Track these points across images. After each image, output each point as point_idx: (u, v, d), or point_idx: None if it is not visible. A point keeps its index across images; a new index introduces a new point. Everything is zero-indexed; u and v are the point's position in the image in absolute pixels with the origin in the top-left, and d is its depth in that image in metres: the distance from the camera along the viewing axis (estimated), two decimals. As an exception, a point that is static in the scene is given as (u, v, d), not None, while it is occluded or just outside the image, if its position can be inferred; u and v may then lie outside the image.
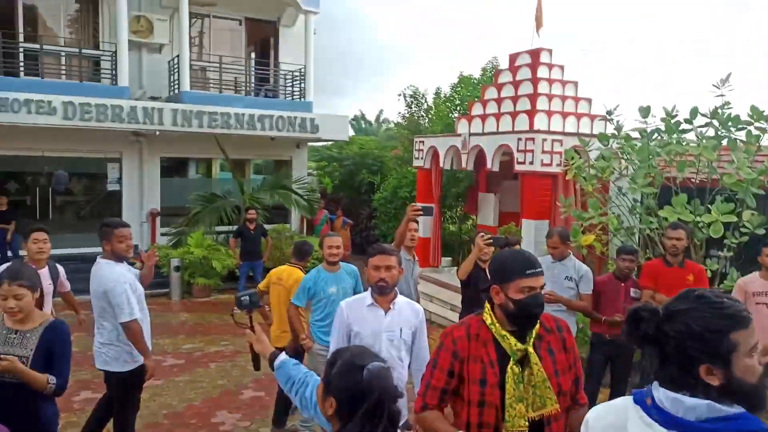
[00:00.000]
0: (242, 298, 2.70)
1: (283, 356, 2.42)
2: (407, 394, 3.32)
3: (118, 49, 11.37)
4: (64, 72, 12.11)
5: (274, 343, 5.39)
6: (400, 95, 15.80)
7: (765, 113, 5.97)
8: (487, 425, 2.14)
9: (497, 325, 2.18)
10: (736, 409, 1.35)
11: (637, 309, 1.49)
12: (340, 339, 3.26)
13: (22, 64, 11.52)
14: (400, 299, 3.30)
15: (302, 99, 13.39)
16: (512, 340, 2.14)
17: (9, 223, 10.59)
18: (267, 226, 11.43)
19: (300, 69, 13.49)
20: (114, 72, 11.59)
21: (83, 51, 12.25)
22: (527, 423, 2.11)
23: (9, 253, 10.65)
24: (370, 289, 3.28)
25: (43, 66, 11.65)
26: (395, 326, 3.20)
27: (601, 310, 5.04)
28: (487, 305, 2.24)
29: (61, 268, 5.05)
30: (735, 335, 1.35)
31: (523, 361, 2.14)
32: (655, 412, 1.41)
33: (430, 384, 2.26)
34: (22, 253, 9.68)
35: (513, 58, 10.04)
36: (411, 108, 15.61)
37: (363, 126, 32.50)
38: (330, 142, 16.51)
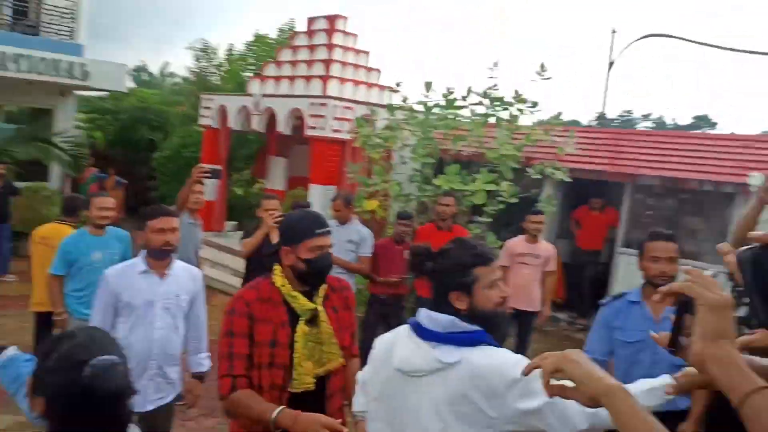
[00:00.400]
0: None
1: (12, 351, 1.98)
2: (181, 363, 3.15)
3: None
4: None
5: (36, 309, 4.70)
6: (188, 48, 14.73)
7: (523, 97, 6.80)
8: (275, 387, 2.13)
9: (287, 285, 2.19)
10: (475, 327, 1.68)
11: (416, 246, 1.88)
12: (104, 311, 2.98)
13: None
14: (177, 264, 3.14)
15: (71, 40, 11.70)
16: (302, 299, 2.18)
17: None
18: (20, 184, 9.86)
19: (71, 4, 11.73)
20: None
21: None
22: (314, 380, 2.17)
23: None
24: (143, 254, 3.06)
25: None
26: (172, 293, 3.04)
27: (380, 272, 5.33)
28: (277, 267, 2.24)
29: None
30: (478, 270, 1.71)
31: (312, 320, 2.20)
32: (418, 328, 1.73)
33: (234, 353, 2.14)
34: None
35: (311, 21, 9.97)
36: (200, 62, 14.66)
37: (145, 78, 29.72)
38: (104, 93, 14.77)
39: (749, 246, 1.01)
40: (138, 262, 3.05)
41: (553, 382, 1.10)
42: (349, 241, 5.23)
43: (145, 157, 14.53)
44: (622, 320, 2.93)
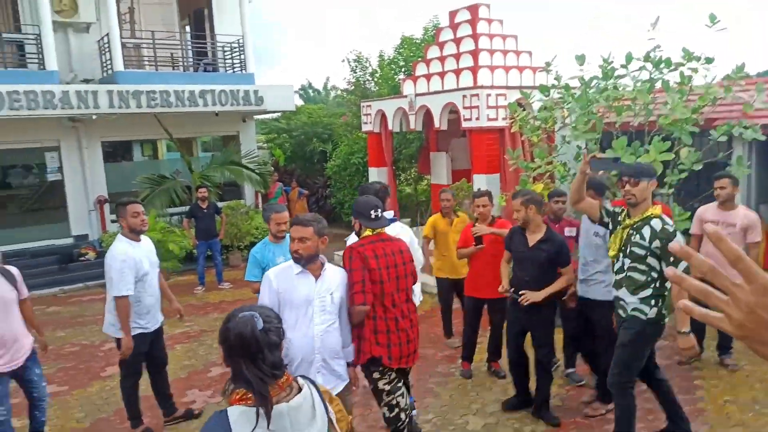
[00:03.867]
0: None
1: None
2: (342, 354, 3.39)
3: (41, 31, 10.80)
4: (-14, 60, 11.48)
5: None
6: (343, 61, 15.60)
7: (695, 54, 6.18)
8: None
9: None
10: None
11: None
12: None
13: (-61, 54, 10.85)
14: (328, 266, 3.37)
15: (243, 71, 13.07)
16: None
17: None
18: (220, 204, 11.26)
19: (238, 40, 13.13)
20: (40, 56, 11.03)
21: (4, 35, 11.59)
22: None
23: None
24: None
25: (-37, 55, 11.02)
26: (326, 292, 3.27)
27: None
28: None
29: (15, 270, 4.37)
30: None
31: None
32: None
33: None
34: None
35: (452, 15, 10.03)
36: (356, 73, 15.45)
37: (311, 95, 32.00)
38: (277, 114, 16.24)
39: None
40: (293, 265, 3.31)
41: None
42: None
43: (320, 167, 15.71)
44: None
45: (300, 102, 28.72)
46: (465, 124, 8.86)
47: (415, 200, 13.98)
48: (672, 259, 3.55)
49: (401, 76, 13.33)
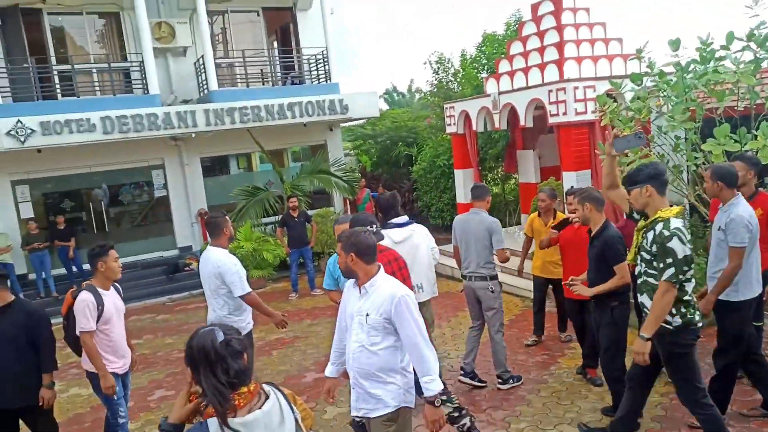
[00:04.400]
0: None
1: None
2: (389, 383, 3.05)
3: (144, 58, 11.64)
4: (98, 88, 12.51)
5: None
6: (425, 63, 15.56)
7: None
8: None
9: None
10: None
11: None
12: (340, 316, 3.39)
13: (57, 86, 11.96)
14: (379, 281, 3.11)
15: (328, 81, 13.40)
16: None
17: (69, 241, 11.11)
18: (310, 212, 11.59)
19: (322, 51, 13.47)
20: (144, 81, 11.88)
21: (112, 65, 12.60)
22: None
23: (74, 269, 11.21)
24: None
25: (78, 85, 12.07)
26: (364, 310, 3.10)
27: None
28: None
29: (119, 287, 4.69)
30: None
31: None
32: None
33: None
34: (85, 266, 10.17)
35: (535, 7, 9.74)
36: (438, 74, 15.38)
37: (396, 98, 32.23)
38: (362, 120, 16.49)
39: None
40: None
41: None
42: None
43: (405, 171, 15.78)
44: None
45: (385, 106, 29.02)
46: (552, 120, 8.57)
47: (504, 200, 13.68)
48: (662, 265, 3.42)
49: (484, 75, 13.11)
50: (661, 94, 6.62)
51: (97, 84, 12.56)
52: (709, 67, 6.10)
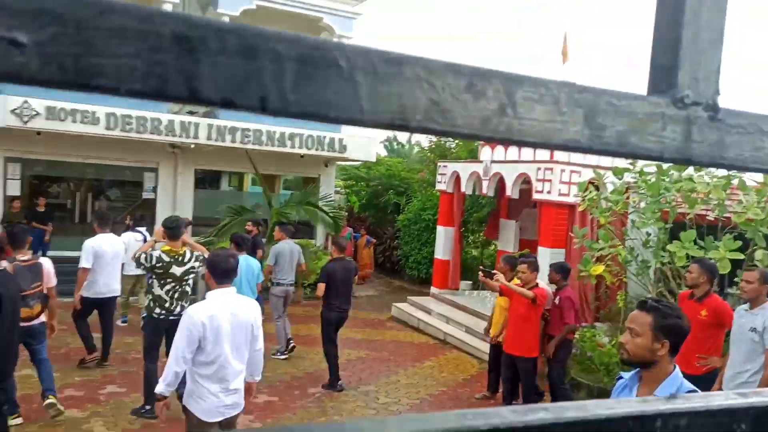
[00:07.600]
0: None
1: None
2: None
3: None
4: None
5: None
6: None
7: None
8: None
9: None
10: None
11: None
12: None
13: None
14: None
15: (332, 119, 13.78)
16: None
17: (46, 225, 11.16)
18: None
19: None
20: (156, 86, 12.17)
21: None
22: None
23: (45, 254, 11.22)
24: None
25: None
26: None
27: None
28: None
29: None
30: None
31: None
32: None
33: None
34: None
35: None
36: (438, 133, 15.90)
37: (395, 147, 32.87)
38: (359, 162, 16.89)
39: None
40: None
41: None
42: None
43: (392, 218, 16.10)
44: None
45: (383, 152, 29.57)
46: (536, 196, 8.96)
47: (480, 263, 13.98)
48: None
49: (480, 142, 13.62)
50: (639, 191, 7.04)
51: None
52: (684, 174, 6.54)
